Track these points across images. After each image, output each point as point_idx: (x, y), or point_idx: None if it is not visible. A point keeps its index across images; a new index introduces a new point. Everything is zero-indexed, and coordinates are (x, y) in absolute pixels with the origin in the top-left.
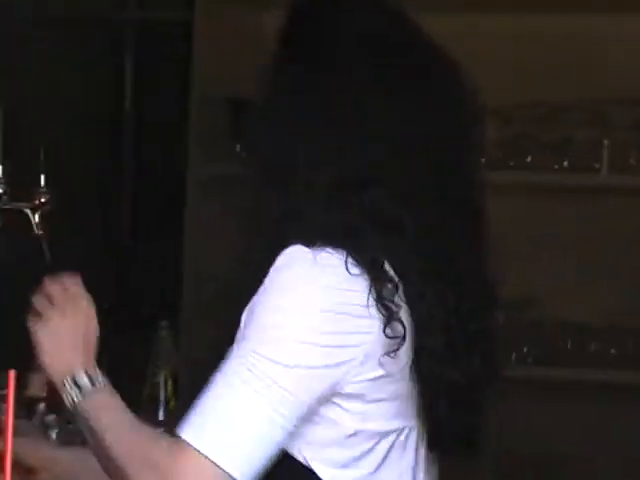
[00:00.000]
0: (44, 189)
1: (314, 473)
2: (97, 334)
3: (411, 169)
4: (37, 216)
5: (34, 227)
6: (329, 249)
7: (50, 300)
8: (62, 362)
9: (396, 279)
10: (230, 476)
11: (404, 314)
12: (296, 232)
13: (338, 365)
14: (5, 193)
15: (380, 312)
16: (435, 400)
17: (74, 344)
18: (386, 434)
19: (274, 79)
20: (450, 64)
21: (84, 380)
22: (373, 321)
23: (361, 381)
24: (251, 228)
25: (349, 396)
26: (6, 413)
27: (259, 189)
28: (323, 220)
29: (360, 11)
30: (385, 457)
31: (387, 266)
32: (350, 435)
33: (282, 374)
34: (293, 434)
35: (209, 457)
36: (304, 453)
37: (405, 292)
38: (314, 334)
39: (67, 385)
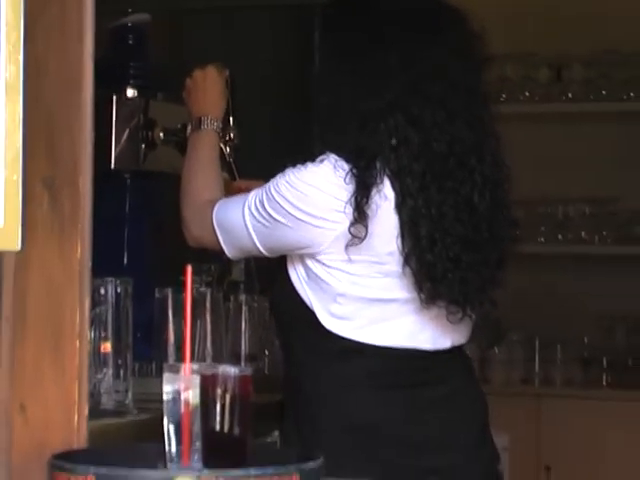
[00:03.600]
0: (232, 127)
1: (320, 323)
2: (224, 97)
3: (425, 103)
4: (227, 147)
5: (225, 155)
6: (338, 159)
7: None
8: (200, 106)
9: (386, 181)
10: (220, 245)
11: (390, 207)
12: (328, 146)
13: (307, 234)
14: None
15: (353, 214)
16: (422, 280)
17: (208, 98)
18: (377, 300)
19: (329, 49)
20: (458, 15)
21: (208, 120)
22: (345, 217)
23: (333, 256)
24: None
25: (328, 265)
26: (184, 303)
27: (320, 119)
28: (349, 140)
29: None
30: (379, 319)
31: (384, 173)
32: (339, 294)
33: (264, 210)
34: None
35: (217, 230)
36: (313, 305)
37: (401, 190)
38: (295, 208)
39: (204, 121)
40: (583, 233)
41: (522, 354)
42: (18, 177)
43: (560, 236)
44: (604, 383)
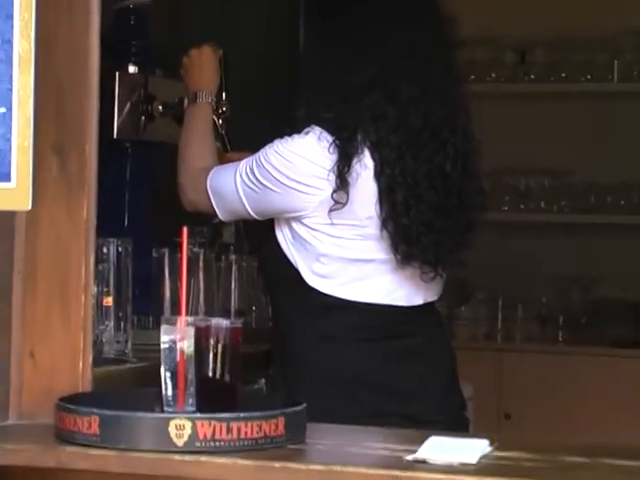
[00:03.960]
0: (225, 101)
1: (304, 281)
2: (217, 74)
3: (401, 80)
4: (220, 120)
5: (218, 127)
6: (322, 131)
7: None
8: (195, 81)
9: (366, 152)
10: (213, 208)
11: (369, 175)
12: (313, 119)
13: (293, 199)
14: None
15: (335, 181)
16: (398, 242)
17: (203, 74)
18: (356, 260)
19: (315, 28)
20: (432, 2)
21: (203, 95)
22: (328, 184)
23: (317, 220)
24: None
25: (312, 227)
26: (180, 262)
27: (306, 94)
28: (332, 114)
29: None
30: (358, 277)
31: (364, 144)
32: (321, 254)
33: (254, 177)
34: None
35: (210, 195)
36: (298, 264)
37: (380, 160)
38: (282, 175)
39: (199, 96)
40: (542, 203)
41: (486, 312)
42: (29, 143)
43: (522, 205)
44: (560, 339)
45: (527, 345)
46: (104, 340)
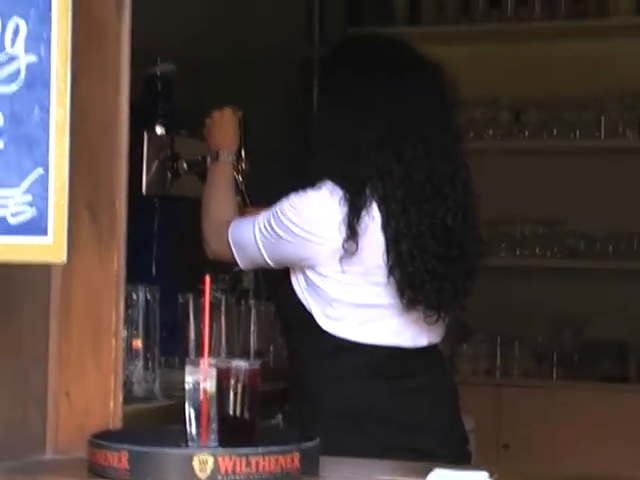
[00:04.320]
0: (245, 159)
1: (317, 324)
2: (237, 134)
3: (406, 139)
4: (240, 176)
5: (238, 183)
6: (334, 186)
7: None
8: (217, 141)
9: (374, 205)
10: (234, 258)
11: (377, 226)
12: (325, 175)
13: (307, 249)
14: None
15: (346, 232)
16: (404, 288)
17: (224, 135)
18: (365, 305)
19: (326, 91)
20: (434, 67)
21: (224, 154)
22: (339, 235)
23: (329, 268)
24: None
25: (324, 275)
26: (202, 311)
27: (318, 152)
28: (343, 170)
29: (373, 45)
30: (367, 320)
31: (372, 198)
32: (333, 300)
33: (272, 229)
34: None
35: (232, 246)
36: (311, 308)
37: (387, 213)
38: (297, 227)
39: (220, 154)
40: (537, 249)
41: (486, 350)
42: (65, 202)
43: (518, 252)
44: (554, 375)
45: (524, 380)
46: (134, 380)
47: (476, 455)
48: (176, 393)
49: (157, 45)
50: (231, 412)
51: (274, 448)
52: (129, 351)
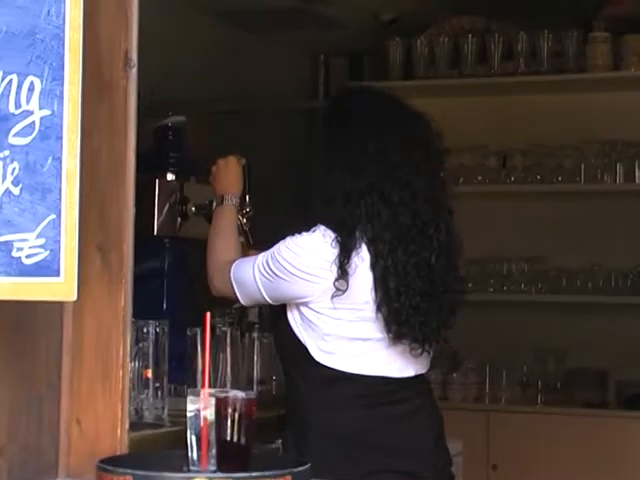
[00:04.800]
0: (248, 203)
1: (311, 356)
2: (241, 179)
3: (394, 185)
4: (244, 218)
5: (242, 225)
6: (327, 229)
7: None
8: (222, 186)
9: (364, 246)
10: (237, 296)
11: (366, 266)
12: (319, 219)
13: (301, 287)
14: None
15: (337, 272)
16: (390, 323)
17: (229, 180)
18: (356, 339)
19: (321, 139)
20: (421, 117)
21: (229, 198)
22: (331, 274)
23: (321, 304)
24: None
25: (317, 311)
26: (203, 349)
27: (314, 197)
28: (335, 214)
29: (364, 97)
30: (358, 353)
31: (362, 240)
32: (326, 334)
33: (269, 268)
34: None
35: (234, 284)
36: (305, 342)
37: (375, 253)
38: (293, 267)
39: (225, 198)
40: (522, 285)
41: (475, 378)
42: (75, 244)
43: (505, 287)
44: (539, 401)
45: (511, 406)
46: (144, 407)
47: (467, 475)
48: (184, 419)
49: (171, 98)
50: (228, 438)
51: (267, 472)
52: (140, 380)
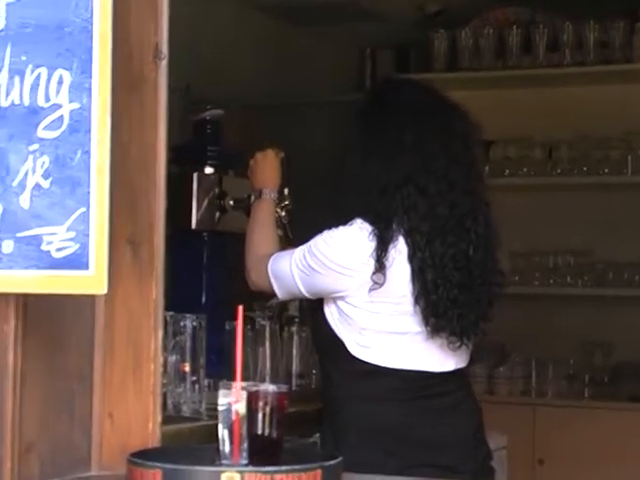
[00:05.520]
0: (286, 196)
1: (348, 350)
2: (279, 173)
3: (430, 177)
4: (283, 212)
5: (281, 218)
6: (363, 222)
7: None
8: (260, 180)
9: (401, 238)
10: (274, 290)
11: (403, 259)
12: (356, 212)
13: (338, 281)
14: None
15: (374, 265)
16: (428, 316)
17: (267, 174)
18: (393, 333)
19: (357, 130)
20: (458, 108)
21: (267, 192)
22: (368, 267)
23: (358, 298)
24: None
25: (354, 305)
26: (235, 338)
27: (350, 190)
28: (372, 207)
29: (402, 88)
30: (395, 347)
31: (399, 232)
32: (363, 328)
33: (306, 262)
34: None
35: (271, 278)
36: (342, 336)
37: (412, 245)
38: (330, 261)
39: (263, 192)
40: (568, 278)
41: (521, 372)
42: (105, 238)
43: (551, 280)
44: (585, 395)
45: (557, 400)
46: (181, 401)
47: (513, 470)
48: None
49: (214, 91)
50: (260, 432)
51: (297, 466)
52: (177, 374)
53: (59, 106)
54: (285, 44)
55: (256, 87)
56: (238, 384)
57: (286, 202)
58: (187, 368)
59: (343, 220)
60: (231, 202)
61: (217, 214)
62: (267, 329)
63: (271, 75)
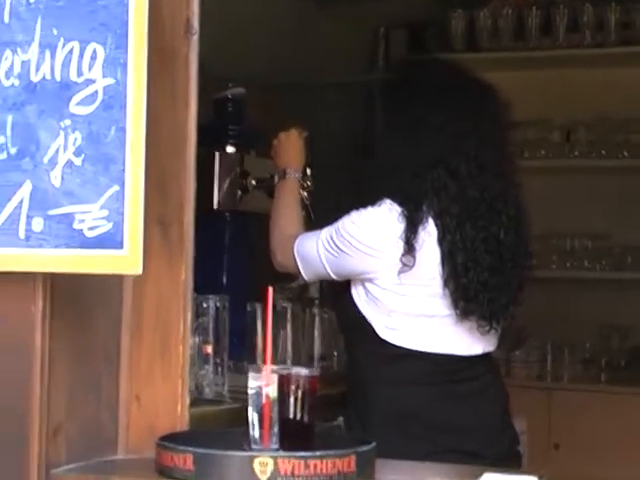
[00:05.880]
0: (310, 177)
1: (376, 333)
2: (303, 153)
3: (460, 158)
4: (306, 192)
5: (304, 199)
6: (393, 203)
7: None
8: (284, 160)
9: (430, 220)
10: (300, 271)
11: (433, 241)
12: (384, 193)
13: (367, 262)
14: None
15: (404, 247)
16: (457, 299)
17: (290, 154)
18: (421, 315)
19: (386, 112)
20: (489, 88)
21: (291, 172)
22: (397, 249)
23: (387, 280)
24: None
25: (383, 287)
26: (264, 325)
27: (379, 170)
28: (401, 188)
29: (431, 68)
30: (423, 330)
31: (429, 214)
32: (391, 311)
33: (334, 244)
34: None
35: (297, 259)
36: (370, 319)
37: (442, 227)
38: (358, 242)
39: (287, 173)
40: (586, 262)
41: (537, 356)
42: (140, 217)
43: (568, 264)
44: (602, 379)
45: (573, 384)
46: (204, 383)
47: (529, 454)
48: (244, 396)
49: (233, 70)
50: (291, 416)
51: (331, 452)
52: (199, 356)
53: (92, 81)
54: (301, 23)
55: (274, 66)
56: (268, 367)
57: (309, 182)
58: (210, 350)
59: (368, 201)
60: (253, 182)
61: (239, 194)
62: (289, 311)
63: (289, 56)
